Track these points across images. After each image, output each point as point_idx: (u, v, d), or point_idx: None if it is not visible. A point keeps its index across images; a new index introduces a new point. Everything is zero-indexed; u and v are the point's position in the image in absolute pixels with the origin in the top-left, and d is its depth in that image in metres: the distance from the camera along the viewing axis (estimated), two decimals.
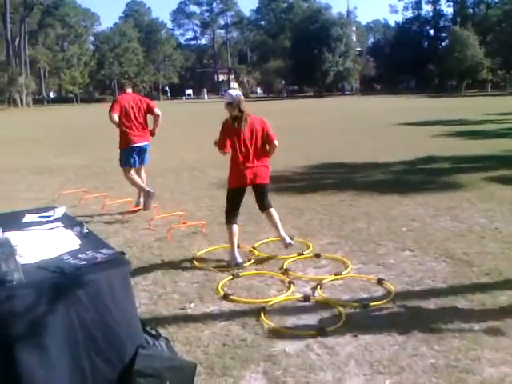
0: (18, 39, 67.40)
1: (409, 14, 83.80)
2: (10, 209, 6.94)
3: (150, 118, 7.05)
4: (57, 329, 2.20)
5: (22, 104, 61.95)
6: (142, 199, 6.89)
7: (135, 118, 6.68)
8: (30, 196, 8.19)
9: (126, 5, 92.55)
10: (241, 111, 4.64)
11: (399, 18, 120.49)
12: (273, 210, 5.06)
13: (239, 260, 4.71)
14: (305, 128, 19.87)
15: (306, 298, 3.88)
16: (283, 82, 79.67)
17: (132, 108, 6.65)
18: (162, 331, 3.14)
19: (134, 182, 6.90)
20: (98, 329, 2.27)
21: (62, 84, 72.82)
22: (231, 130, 4.68)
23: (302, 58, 64.21)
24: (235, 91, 4.83)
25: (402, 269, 4.47)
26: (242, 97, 4.77)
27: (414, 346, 3.11)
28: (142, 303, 3.78)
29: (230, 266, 4.68)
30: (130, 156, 6.82)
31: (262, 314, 3.55)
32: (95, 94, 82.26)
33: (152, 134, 7.13)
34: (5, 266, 2.26)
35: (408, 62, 68.84)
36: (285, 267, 4.56)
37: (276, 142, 4.92)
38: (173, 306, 3.80)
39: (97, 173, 10.29)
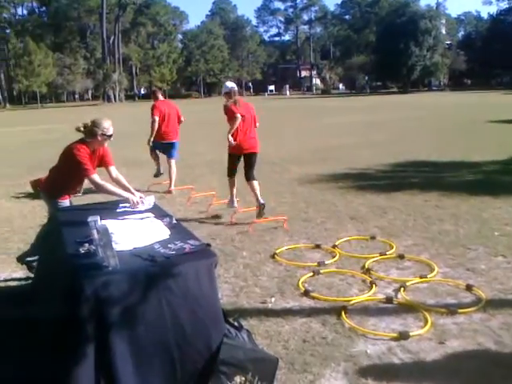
0: (112, 38, 71.42)
1: (504, 5, 78.29)
2: (105, 198, 7.41)
3: None
4: (148, 315, 2.31)
5: (115, 100, 65.71)
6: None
7: (169, 120, 8.08)
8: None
9: (213, 3, 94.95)
10: (234, 97, 6.13)
11: (493, 9, 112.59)
12: (255, 182, 6.31)
13: (235, 204, 6.48)
14: (390, 124, 19.26)
15: (389, 300, 3.77)
16: (366, 77, 77.78)
17: (167, 112, 8.07)
18: (243, 323, 3.21)
19: (154, 158, 8.64)
20: (187, 317, 2.36)
21: (152, 81, 76.18)
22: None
23: (387, 53, 62.21)
24: (231, 84, 6.40)
25: (494, 275, 4.21)
26: (236, 88, 6.35)
27: (507, 359, 2.92)
28: (224, 295, 3.87)
29: (229, 207, 6.46)
30: (159, 147, 8.42)
31: (343, 313, 3.50)
32: (182, 90, 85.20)
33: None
34: (102, 253, 2.41)
35: (502, 55, 64.50)
36: (367, 267, 4.47)
37: (257, 124, 6.34)
38: (254, 300, 3.86)
39: (182, 166, 10.60)
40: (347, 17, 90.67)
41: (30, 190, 8.25)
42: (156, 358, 2.33)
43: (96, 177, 3.96)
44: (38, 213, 6.90)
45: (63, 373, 2.25)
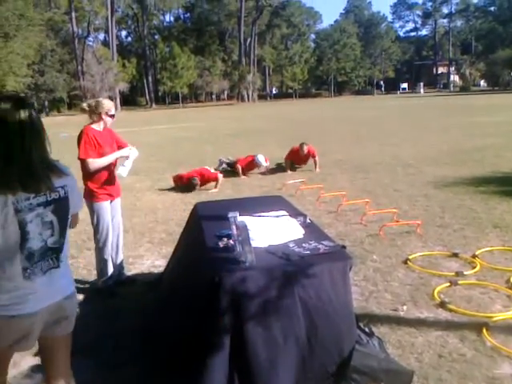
0: (249, 40, 74.15)
1: None
2: (238, 195, 7.73)
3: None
4: (282, 311, 2.35)
5: (248, 99, 68.24)
6: None
7: None
8: (255, 183, 8.98)
9: (348, 1, 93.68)
10: None
11: None
12: None
13: None
14: None
15: None
16: (511, 73, 70.75)
17: None
18: (373, 330, 3.12)
19: None
20: (320, 317, 2.35)
21: (284, 80, 77.64)
22: None
23: None
24: None
25: None
26: None
27: None
28: (353, 298, 3.78)
29: None
30: None
31: (485, 330, 3.23)
32: (312, 89, 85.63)
33: None
34: (240, 248, 2.50)
35: None
36: None
37: None
38: (384, 306, 3.72)
39: (312, 164, 10.65)
40: (492, 8, 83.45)
41: (172, 183, 8.91)
42: (287, 353, 2.36)
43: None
44: (178, 205, 7.43)
45: (200, 357, 2.38)
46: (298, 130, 19.38)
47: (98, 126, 4.03)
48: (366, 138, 16.03)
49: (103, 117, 4.00)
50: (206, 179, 8.59)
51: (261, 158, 9.69)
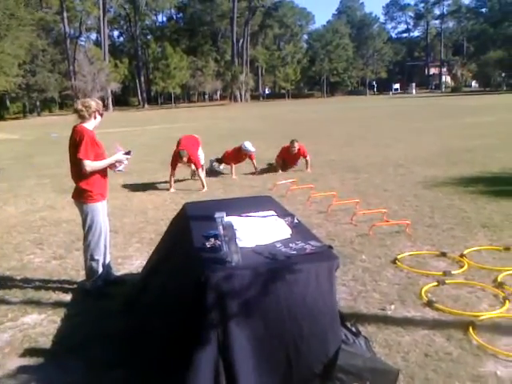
0: (241, 41, 74.16)
1: None
2: (229, 195, 7.73)
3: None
4: (267, 311, 2.36)
5: (241, 99, 68.25)
6: None
7: None
8: (246, 184, 8.98)
9: (340, 1, 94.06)
10: None
11: None
12: None
13: None
14: None
15: None
16: (503, 74, 71.32)
17: None
18: (360, 329, 3.14)
19: None
20: (305, 317, 2.37)
21: (276, 81, 77.75)
22: None
23: None
24: None
25: None
26: None
27: None
28: (341, 298, 3.80)
29: None
30: None
31: (471, 329, 3.25)
32: (305, 89, 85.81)
33: None
34: (226, 248, 2.51)
35: None
36: (499, 280, 4.11)
37: None
38: (373, 306, 3.75)
39: (304, 165, 10.68)
40: (484, 10, 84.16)
41: (162, 182, 8.91)
42: (273, 352, 2.37)
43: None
44: (168, 205, 7.42)
45: (187, 357, 2.38)
46: (290, 131, 19.35)
47: (90, 126, 4.05)
48: (357, 138, 16.09)
49: (97, 116, 4.07)
50: (192, 158, 8.60)
51: (248, 145, 9.67)
